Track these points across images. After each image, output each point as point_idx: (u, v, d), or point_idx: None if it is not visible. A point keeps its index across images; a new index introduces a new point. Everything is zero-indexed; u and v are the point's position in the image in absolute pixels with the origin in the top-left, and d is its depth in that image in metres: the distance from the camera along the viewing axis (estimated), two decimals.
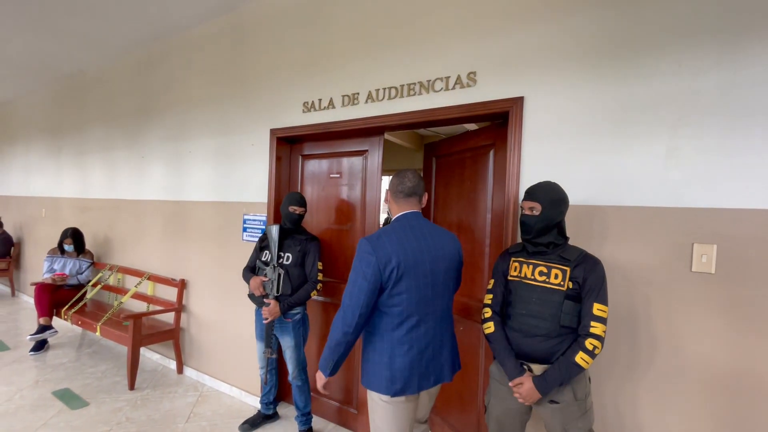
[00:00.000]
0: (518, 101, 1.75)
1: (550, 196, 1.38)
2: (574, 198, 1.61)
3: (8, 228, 5.60)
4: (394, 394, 1.35)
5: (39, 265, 4.54)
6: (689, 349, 1.42)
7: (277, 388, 2.48)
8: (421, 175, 1.87)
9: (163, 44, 3.44)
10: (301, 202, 2.20)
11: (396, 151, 6.58)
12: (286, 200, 2.19)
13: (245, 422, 2.40)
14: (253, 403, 2.68)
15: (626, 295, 1.53)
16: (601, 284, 1.33)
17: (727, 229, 1.36)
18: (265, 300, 2.11)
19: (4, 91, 5.36)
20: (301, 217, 2.20)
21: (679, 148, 1.44)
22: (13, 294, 5.40)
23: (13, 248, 5.39)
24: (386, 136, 4.15)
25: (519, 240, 1.66)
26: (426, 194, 1.54)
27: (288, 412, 2.56)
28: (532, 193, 1.40)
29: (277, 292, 2.09)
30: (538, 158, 1.72)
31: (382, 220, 9.04)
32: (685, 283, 1.43)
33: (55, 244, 3.92)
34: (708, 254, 1.38)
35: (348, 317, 1.33)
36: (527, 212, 1.40)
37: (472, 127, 2.92)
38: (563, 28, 1.66)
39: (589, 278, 1.33)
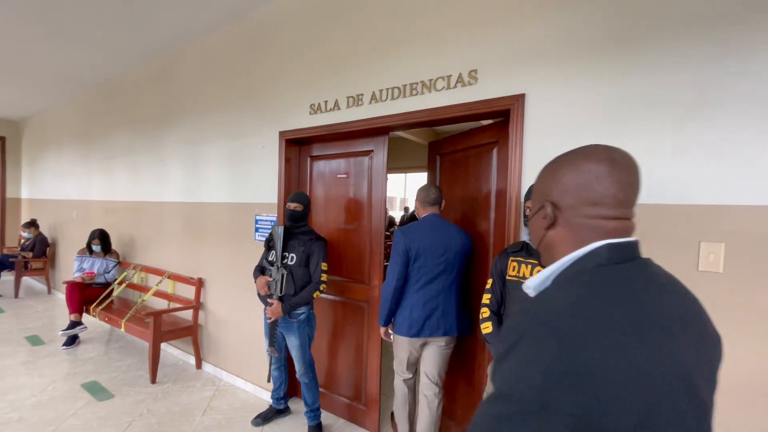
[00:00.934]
0: (519, 98, 1.73)
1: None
2: None
3: (43, 229, 5.94)
4: (411, 336, 1.90)
5: (71, 264, 4.80)
6: None
7: (288, 384, 2.55)
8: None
9: (179, 51, 3.57)
10: (297, 198, 2.23)
11: (409, 147, 6.57)
12: (288, 199, 2.25)
13: (258, 416, 2.48)
14: (266, 398, 2.76)
15: None
16: None
17: (736, 227, 1.30)
18: (268, 300, 2.17)
19: (38, 101, 5.68)
20: (297, 213, 2.21)
21: (686, 143, 1.39)
22: (49, 291, 5.73)
23: (48, 248, 5.73)
24: (399, 132, 4.17)
25: (521, 239, 1.65)
26: (443, 201, 2.06)
27: (299, 407, 2.62)
28: (530, 191, 1.38)
29: (281, 292, 2.15)
30: (540, 155, 1.70)
31: (398, 217, 9.07)
32: (691, 284, 1.36)
33: (84, 245, 4.15)
34: (716, 253, 1.33)
35: (392, 280, 1.92)
36: (528, 212, 1.38)
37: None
38: (563, 23, 1.63)
39: None
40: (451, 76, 1.94)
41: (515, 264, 1.43)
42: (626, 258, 0.58)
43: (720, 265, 1.32)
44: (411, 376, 2.01)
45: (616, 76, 1.51)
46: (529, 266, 1.40)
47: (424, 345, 1.95)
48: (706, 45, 1.35)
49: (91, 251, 4.02)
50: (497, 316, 1.46)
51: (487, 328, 1.46)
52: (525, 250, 1.43)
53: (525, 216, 1.42)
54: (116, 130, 4.47)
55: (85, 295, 3.75)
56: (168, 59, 3.70)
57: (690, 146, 1.38)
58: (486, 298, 1.50)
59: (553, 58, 1.65)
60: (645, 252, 0.68)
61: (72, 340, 3.72)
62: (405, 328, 1.91)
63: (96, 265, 3.96)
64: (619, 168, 0.59)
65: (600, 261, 0.57)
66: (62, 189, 5.69)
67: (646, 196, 1.45)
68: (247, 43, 2.96)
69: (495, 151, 2.00)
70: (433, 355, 1.95)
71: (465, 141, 2.23)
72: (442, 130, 5.75)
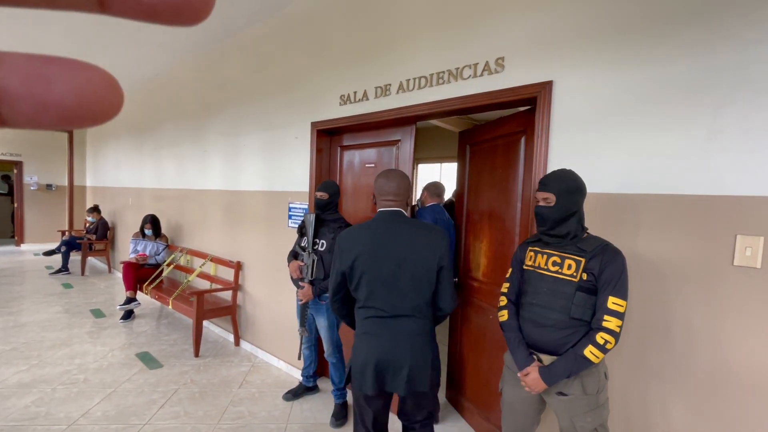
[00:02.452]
0: (547, 86, 1.69)
1: (565, 185, 1.33)
2: (605, 186, 1.54)
3: (104, 214, 6.52)
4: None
5: (128, 246, 5.27)
6: (729, 352, 1.31)
7: (317, 363, 2.68)
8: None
9: (219, 47, 3.76)
10: (325, 187, 2.30)
11: (444, 137, 6.50)
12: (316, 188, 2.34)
13: (288, 392, 2.64)
14: (297, 376, 2.92)
15: (659, 292, 1.44)
16: (619, 277, 1.27)
17: None
18: (300, 283, 2.28)
19: None
20: (322, 201, 2.29)
21: (723, 130, 1.30)
22: (109, 270, 6.32)
23: (108, 232, 6.29)
24: (433, 121, 4.14)
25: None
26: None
27: (327, 386, 2.75)
28: (545, 183, 1.35)
29: (312, 276, 2.25)
30: (567, 145, 1.66)
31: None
32: (725, 279, 1.31)
33: (138, 229, 4.53)
34: (753, 247, 1.25)
35: None
36: (541, 203, 1.36)
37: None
38: (593, 6, 1.56)
39: (606, 270, 1.28)
40: (477, 64, 1.92)
41: (532, 254, 1.43)
42: (376, 215, 1.53)
43: (758, 260, 1.25)
44: None
45: (648, 62, 1.44)
46: (545, 256, 1.38)
47: None
48: (753, 22, 1.25)
49: (143, 235, 4.38)
50: (515, 306, 1.46)
51: (503, 316, 1.46)
52: (541, 241, 1.41)
53: (537, 206, 1.39)
54: (164, 122, 4.81)
55: (139, 275, 4.11)
56: (210, 54, 3.91)
57: (727, 132, 1.30)
58: (505, 287, 1.51)
59: (581, 43, 1.60)
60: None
61: (128, 315, 4.10)
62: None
63: (148, 248, 4.32)
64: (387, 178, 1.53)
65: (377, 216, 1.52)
66: (119, 177, 6.21)
67: (678, 186, 1.39)
68: (281, 38, 3.07)
69: (522, 140, 1.97)
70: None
71: (493, 130, 2.20)
72: (477, 118, 5.63)
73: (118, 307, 4.01)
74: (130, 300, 4.03)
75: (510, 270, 1.52)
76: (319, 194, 2.31)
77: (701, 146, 1.34)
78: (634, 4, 1.47)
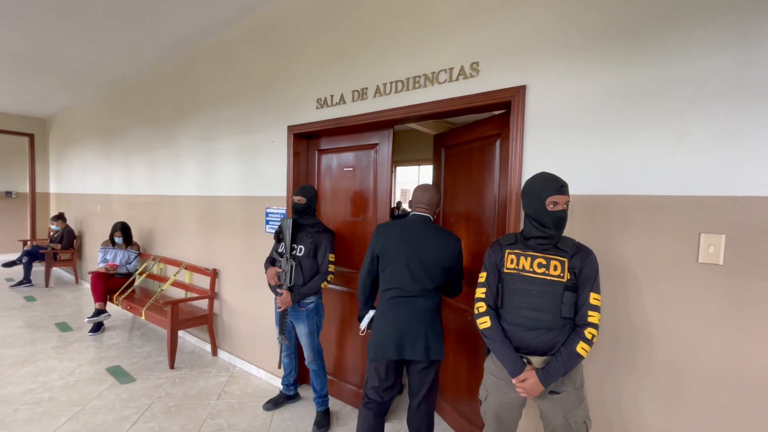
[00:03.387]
0: (520, 90, 1.72)
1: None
2: (578, 188, 1.58)
3: (70, 222, 6.23)
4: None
5: (96, 255, 5.03)
6: (695, 344, 1.37)
7: (297, 371, 2.63)
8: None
9: (192, 49, 3.66)
10: (303, 192, 2.28)
11: (422, 140, 6.55)
12: (293, 193, 2.31)
13: (269, 401, 2.59)
14: (277, 385, 2.86)
15: (630, 287, 1.48)
16: (596, 274, 1.32)
17: (737, 218, 1.28)
18: (277, 290, 2.24)
19: (62, 99, 5.91)
20: (299, 205, 2.26)
21: (688, 133, 1.36)
22: (76, 281, 6.03)
23: (75, 240, 6.00)
24: (411, 124, 4.17)
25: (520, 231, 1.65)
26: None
27: (308, 393, 2.71)
28: (564, 186, 1.34)
29: (290, 282, 2.21)
30: (541, 148, 1.69)
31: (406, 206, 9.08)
32: (691, 276, 1.37)
33: (108, 237, 4.34)
34: (716, 245, 1.31)
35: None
36: (563, 207, 1.33)
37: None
38: (564, 14, 1.61)
39: (585, 268, 1.32)
40: (453, 68, 1.94)
41: (513, 257, 1.42)
42: (409, 216, 1.86)
43: (720, 257, 1.31)
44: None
45: (617, 67, 1.49)
46: (529, 258, 1.39)
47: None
48: (710, 34, 1.32)
49: (113, 243, 4.21)
50: (494, 311, 1.45)
51: (485, 323, 1.43)
52: (521, 242, 1.43)
53: (556, 210, 1.34)
54: (134, 126, 4.63)
55: (109, 285, 3.93)
56: (182, 57, 3.80)
57: (691, 137, 1.36)
58: (480, 292, 1.47)
59: (554, 49, 1.64)
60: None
61: (97, 327, 3.92)
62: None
63: (118, 257, 4.14)
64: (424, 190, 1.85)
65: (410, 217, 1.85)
66: (86, 184, 5.94)
67: (647, 187, 1.44)
68: (256, 40, 3.02)
69: (498, 143, 2.00)
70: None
71: (469, 133, 2.23)
72: (453, 121, 5.70)
73: (87, 319, 3.83)
74: (100, 312, 3.85)
75: (485, 274, 1.48)
76: (296, 198, 2.27)
77: (668, 149, 1.40)
78: (602, 14, 1.52)
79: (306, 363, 2.37)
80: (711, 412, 1.35)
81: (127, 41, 3.62)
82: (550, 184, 1.34)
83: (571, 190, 1.57)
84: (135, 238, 4.42)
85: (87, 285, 5.69)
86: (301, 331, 2.31)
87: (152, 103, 4.30)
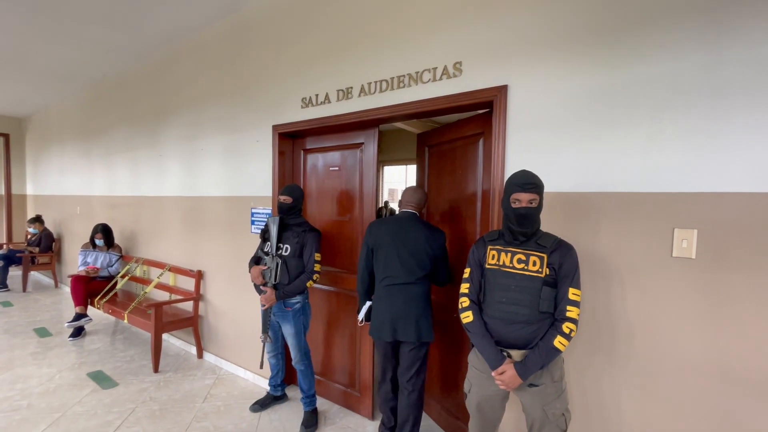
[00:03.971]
0: (502, 90, 1.75)
1: (541, 185, 1.40)
2: (558, 185, 1.62)
3: (48, 225, 6.05)
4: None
5: (76, 258, 4.91)
6: (670, 335, 1.42)
7: (285, 371, 2.62)
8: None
9: (174, 47, 3.60)
10: (287, 191, 2.27)
11: (408, 139, 6.57)
12: (279, 192, 2.30)
13: (256, 403, 2.57)
14: (264, 386, 2.84)
15: (608, 281, 1.53)
16: (575, 269, 1.35)
17: (708, 214, 1.34)
18: (261, 288, 2.23)
19: (39, 98, 5.74)
20: (285, 205, 2.26)
21: (661, 131, 1.41)
22: (56, 285, 5.86)
23: (54, 243, 5.84)
24: (397, 123, 4.18)
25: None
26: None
27: (296, 394, 2.70)
28: (532, 184, 1.37)
29: (275, 280, 2.21)
30: (522, 146, 1.73)
31: (397, 208, 9.12)
32: (665, 269, 1.42)
33: (88, 239, 4.23)
34: (688, 239, 1.36)
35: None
36: (527, 205, 1.37)
37: None
38: (543, 16, 1.65)
39: (564, 264, 1.35)
40: (436, 68, 1.97)
41: (494, 252, 1.46)
42: (399, 213, 2.06)
43: (693, 251, 1.36)
44: None
45: (594, 68, 1.53)
46: (509, 254, 1.43)
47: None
48: (680, 37, 1.36)
49: (94, 245, 4.11)
50: (477, 305, 1.49)
51: (467, 317, 1.47)
52: (502, 239, 1.46)
53: (518, 207, 1.40)
54: (115, 126, 4.54)
55: (90, 288, 3.84)
56: (164, 56, 3.74)
57: (664, 136, 1.40)
58: (464, 288, 1.52)
59: (534, 50, 1.67)
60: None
61: (78, 332, 3.82)
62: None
63: (99, 259, 4.05)
64: (413, 191, 2.08)
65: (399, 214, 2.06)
66: (65, 185, 5.79)
67: (623, 184, 1.48)
68: (239, 38, 2.99)
69: (481, 142, 2.03)
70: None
71: (452, 132, 2.26)
72: (438, 120, 5.74)
73: (67, 324, 3.73)
74: (80, 316, 3.76)
75: (468, 270, 1.53)
76: (282, 198, 2.26)
77: (642, 147, 1.44)
78: (579, 17, 1.56)
79: (293, 363, 2.36)
80: (685, 401, 1.40)
81: (108, 40, 3.55)
82: (515, 182, 1.39)
83: (551, 188, 1.60)
84: (117, 240, 4.33)
85: (66, 289, 5.55)
86: (288, 331, 2.30)
87: (134, 103, 4.22)
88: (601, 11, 1.52)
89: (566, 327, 1.33)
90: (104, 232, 4.11)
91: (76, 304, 3.76)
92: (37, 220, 5.79)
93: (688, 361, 1.39)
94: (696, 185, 1.35)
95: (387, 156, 7.89)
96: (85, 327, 3.97)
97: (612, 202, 1.51)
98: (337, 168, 2.62)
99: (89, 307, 3.82)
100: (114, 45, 3.67)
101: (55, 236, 5.91)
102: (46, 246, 5.72)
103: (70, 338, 3.76)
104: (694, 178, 1.35)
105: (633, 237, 1.47)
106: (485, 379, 1.47)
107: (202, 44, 3.31)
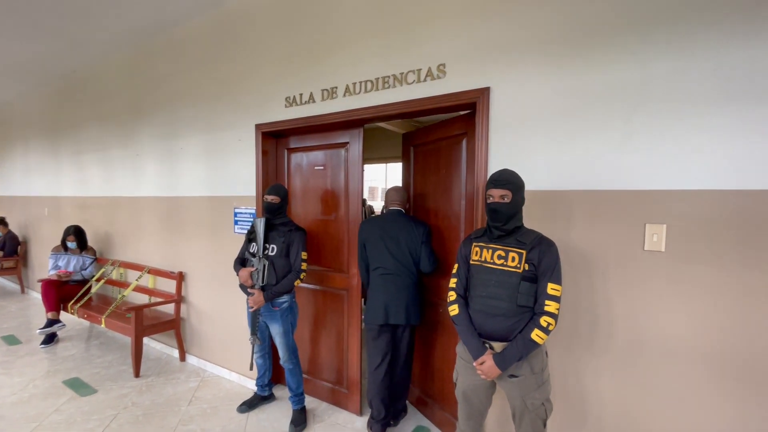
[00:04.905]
0: (485, 92, 1.81)
1: (517, 182, 1.46)
2: (540, 184, 1.70)
3: (13, 227, 5.75)
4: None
5: (45, 262, 4.69)
6: (643, 323, 1.52)
7: (272, 371, 2.62)
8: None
9: (150, 42, 3.50)
10: (274, 191, 2.28)
11: (388, 137, 6.61)
12: (266, 192, 2.30)
13: (243, 404, 2.56)
14: (251, 387, 2.83)
15: (587, 275, 1.62)
16: (555, 265, 1.42)
17: (675, 210, 1.44)
18: (249, 290, 2.23)
19: (1, 94, 5.44)
20: (275, 205, 2.26)
21: (633, 133, 1.51)
22: (22, 291, 5.59)
23: (19, 247, 5.56)
24: (379, 123, 4.21)
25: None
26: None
27: (283, 393, 2.70)
28: (504, 181, 1.44)
29: (263, 281, 2.20)
30: (505, 146, 1.79)
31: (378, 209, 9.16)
32: (638, 261, 1.52)
33: (59, 242, 4.06)
34: (658, 233, 1.46)
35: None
36: (498, 200, 1.43)
37: None
38: (524, 20, 1.72)
39: (543, 260, 1.42)
40: (421, 69, 2.01)
41: (477, 249, 1.53)
42: (386, 211, 2.28)
43: (662, 244, 1.46)
44: None
45: (571, 72, 1.62)
46: (490, 251, 1.49)
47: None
48: (651, 43, 1.46)
49: (66, 248, 3.95)
50: (464, 299, 1.56)
51: (454, 310, 1.55)
52: (486, 236, 1.52)
53: (490, 203, 1.46)
54: (86, 124, 4.36)
55: (62, 293, 3.70)
56: (140, 51, 3.63)
57: (635, 137, 1.50)
58: (452, 282, 1.60)
59: (515, 53, 1.74)
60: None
61: (50, 339, 3.68)
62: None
63: (72, 262, 3.90)
64: (396, 191, 2.32)
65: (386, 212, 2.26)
66: (31, 185, 5.52)
67: (599, 182, 1.57)
68: (221, 35, 2.94)
69: (464, 142, 2.09)
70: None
71: (436, 132, 2.31)
72: (420, 120, 5.80)
73: (38, 330, 3.58)
74: (53, 322, 3.61)
75: (456, 266, 1.61)
76: (270, 198, 2.26)
77: (616, 148, 1.53)
78: (556, 24, 1.64)
79: (281, 362, 2.36)
80: (657, 385, 1.50)
81: (78, 33, 3.41)
82: (490, 179, 1.48)
83: (531, 186, 1.68)
84: (90, 243, 4.17)
85: (35, 294, 5.30)
86: (276, 330, 2.30)
87: (107, 100, 4.07)
88: (576, 20, 1.60)
89: (544, 321, 1.38)
90: (77, 234, 3.95)
91: (48, 309, 3.61)
92: (1, 222, 5.50)
93: (661, 347, 1.49)
94: (665, 183, 1.45)
95: (367, 154, 7.88)
96: (58, 333, 3.82)
97: (588, 200, 1.60)
98: (322, 167, 2.63)
99: (62, 312, 3.67)
100: (85, 39, 3.53)
101: (20, 239, 5.63)
102: (10, 250, 5.44)
103: (42, 345, 3.61)
104: (663, 177, 1.45)
105: (608, 232, 1.57)
106: (471, 368, 1.53)
107: (181, 40, 3.24)
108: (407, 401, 2.49)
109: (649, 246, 1.49)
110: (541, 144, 1.70)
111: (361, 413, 2.52)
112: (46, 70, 4.40)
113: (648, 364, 1.52)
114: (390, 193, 2.33)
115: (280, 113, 2.61)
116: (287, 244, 2.26)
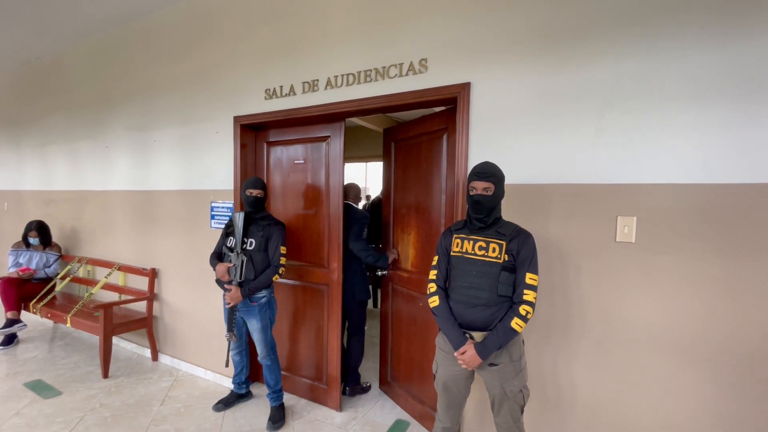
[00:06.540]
0: (465, 87, 1.84)
1: (499, 175, 1.49)
2: (518, 177, 1.74)
3: None
4: None
5: (4, 259, 4.43)
6: (615, 312, 1.58)
7: (249, 368, 2.57)
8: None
9: (121, 30, 3.36)
10: (257, 184, 2.25)
11: (369, 136, 6.61)
12: (244, 185, 2.25)
13: (219, 402, 2.50)
14: (227, 385, 2.76)
15: (561, 265, 1.67)
16: (533, 256, 1.46)
17: (645, 203, 1.51)
18: (226, 285, 2.18)
19: None
20: (259, 199, 2.24)
21: (606, 129, 1.57)
22: None
23: None
24: (358, 121, 4.20)
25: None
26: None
27: (261, 391, 2.66)
28: (487, 173, 1.47)
29: (241, 277, 2.16)
30: (484, 141, 1.83)
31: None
32: (610, 252, 1.58)
33: (19, 238, 3.84)
34: (629, 226, 1.53)
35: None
36: (482, 192, 1.46)
37: None
38: (503, 17, 1.75)
39: (522, 250, 1.46)
40: (403, 63, 2.02)
41: (458, 240, 1.55)
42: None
43: (633, 236, 1.53)
44: None
45: (547, 69, 1.67)
46: (471, 242, 1.52)
47: None
48: (623, 42, 1.52)
49: (28, 245, 3.74)
50: (444, 291, 1.57)
51: (434, 302, 1.56)
52: (467, 228, 1.55)
53: (473, 195, 1.49)
54: (51, 114, 4.15)
55: (23, 292, 3.50)
56: (110, 38, 3.48)
57: (608, 132, 1.56)
58: (432, 274, 1.61)
59: (495, 50, 1.78)
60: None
61: (10, 340, 3.48)
62: None
63: (35, 260, 3.69)
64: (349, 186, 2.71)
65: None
66: None
67: (574, 176, 1.63)
68: (198, 24, 2.86)
69: (445, 137, 2.12)
70: None
71: (417, 127, 2.33)
72: (399, 117, 5.83)
73: None
74: (13, 322, 3.41)
75: (436, 258, 1.63)
76: (256, 192, 2.23)
77: (589, 143, 1.59)
78: (533, 22, 1.69)
79: (259, 359, 2.32)
80: (626, 371, 1.57)
81: (40, 19, 3.23)
82: (473, 171, 1.51)
83: (509, 180, 1.71)
84: (55, 239, 3.97)
85: None
86: (254, 326, 2.26)
87: (73, 89, 3.88)
88: (552, 16, 1.65)
89: (523, 309, 1.43)
90: (39, 229, 3.75)
91: (8, 309, 3.41)
92: None
93: (632, 334, 1.56)
94: (635, 177, 1.52)
95: (347, 153, 7.86)
96: (18, 334, 3.61)
97: (564, 193, 1.65)
98: (302, 161, 2.60)
99: (23, 312, 3.48)
100: (48, 25, 3.35)
101: None
102: None
103: (1, 347, 3.41)
104: (634, 171, 1.52)
105: (582, 224, 1.62)
106: (450, 359, 1.55)
107: (154, 28, 3.13)
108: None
109: (621, 237, 1.55)
110: (520, 139, 1.74)
111: (340, 409, 2.50)
112: (6, 57, 4.15)
113: (619, 350, 1.58)
114: (345, 187, 2.65)
115: (260, 105, 2.56)
116: (266, 238, 2.22)
